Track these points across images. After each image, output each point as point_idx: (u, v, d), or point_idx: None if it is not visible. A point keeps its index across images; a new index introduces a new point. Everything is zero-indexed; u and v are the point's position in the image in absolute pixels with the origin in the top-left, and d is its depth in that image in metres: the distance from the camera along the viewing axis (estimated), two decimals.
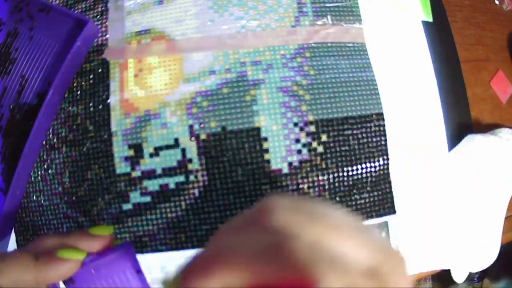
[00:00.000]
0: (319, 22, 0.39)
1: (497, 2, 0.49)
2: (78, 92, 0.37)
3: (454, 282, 0.41)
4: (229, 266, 0.17)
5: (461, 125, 0.41)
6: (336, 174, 0.36)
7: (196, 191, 0.35)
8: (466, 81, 0.42)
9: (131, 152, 0.36)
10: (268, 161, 0.36)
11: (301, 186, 0.36)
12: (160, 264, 0.36)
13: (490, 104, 0.45)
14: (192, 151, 0.36)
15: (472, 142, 0.39)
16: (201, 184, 0.35)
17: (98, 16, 0.39)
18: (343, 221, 0.16)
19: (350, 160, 0.37)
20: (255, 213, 0.17)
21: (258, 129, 0.36)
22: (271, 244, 0.16)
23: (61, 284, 0.26)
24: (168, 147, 0.36)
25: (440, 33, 0.42)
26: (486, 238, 0.40)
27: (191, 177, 0.35)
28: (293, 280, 0.15)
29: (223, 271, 0.17)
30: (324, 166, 0.36)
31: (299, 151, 0.36)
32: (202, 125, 0.36)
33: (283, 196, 0.17)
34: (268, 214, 0.16)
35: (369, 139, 0.37)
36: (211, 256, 0.18)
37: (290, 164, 0.36)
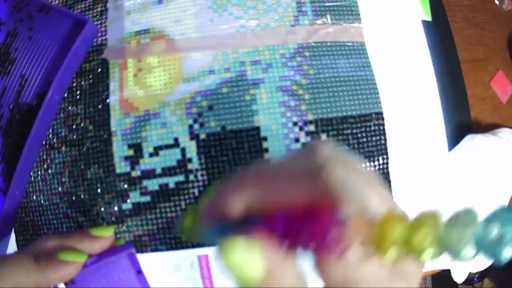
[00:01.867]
0: (319, 21, 0.39)
1: (497, 2, 0.49)
2: (78, 92, 0.37)
3: (454, 282, 0.41)
4: (261, 181, 0.18)
5: (461, 125, 0.41)
6: None
7: (196, 191, 0.35)
8: (466, 81, 0.42)
9: (131, 152, 0.36)
10: None
11: None
12: (160, 264, 0.36)
13: (490, 104, 0.45)
14: (192, 150, 0.36)
15: (472, 142, 0.39)
16: (200, 183, 0.35)
17: (97, 16, 0.39)
18: (374, 177, 0.18)
19: None
20: (302, 149, 0.19)
21: (257, 129, 0.36)
22: (308, 170, 0.17)
23: (61, 284, 0.26)
24: (167, 146, 0.36)
25: (440, 33, 0.42)
26: None
27: (191, 177, 0.35)
28: (317, 202, 0.16)
29: (255, 184, 0.18)
30: None
31: None
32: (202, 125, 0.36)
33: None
34: (315, 150, 0.18)
35: (369, 138, 0.37)
36: (246, 175, 0.19)
37: None
